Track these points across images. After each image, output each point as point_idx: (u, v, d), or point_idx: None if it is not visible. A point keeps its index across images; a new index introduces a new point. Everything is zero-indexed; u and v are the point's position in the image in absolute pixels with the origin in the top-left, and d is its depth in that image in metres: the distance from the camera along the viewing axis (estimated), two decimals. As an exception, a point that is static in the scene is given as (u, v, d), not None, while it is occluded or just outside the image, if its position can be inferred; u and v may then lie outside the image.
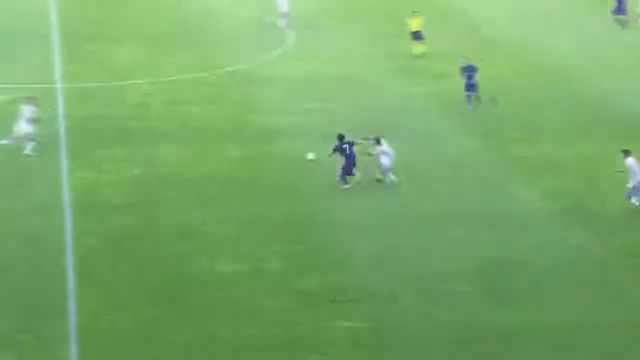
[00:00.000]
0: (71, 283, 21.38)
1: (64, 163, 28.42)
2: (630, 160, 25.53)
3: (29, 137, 28.24)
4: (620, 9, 43.90)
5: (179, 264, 22.59)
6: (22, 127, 28.08)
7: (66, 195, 26.12)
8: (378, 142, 27.38)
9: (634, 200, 25.47)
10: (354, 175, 26.98)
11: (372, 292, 21.44)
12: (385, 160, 27.25)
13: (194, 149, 29.96)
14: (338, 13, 48.40)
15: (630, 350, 19.25)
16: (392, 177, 27.25)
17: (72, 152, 29.30)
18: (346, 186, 26.91)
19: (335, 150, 27.01)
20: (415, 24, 40.57)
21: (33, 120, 28.39)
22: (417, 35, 40.42)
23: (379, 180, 27.25)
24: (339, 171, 26.88)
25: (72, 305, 20.45)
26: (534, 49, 42.46)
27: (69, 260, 22.48)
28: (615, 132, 31.57)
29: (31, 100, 28.63)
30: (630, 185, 25.50)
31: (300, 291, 21.41)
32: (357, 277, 22.19)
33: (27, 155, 28.24)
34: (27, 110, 28.26)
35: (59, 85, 36.03)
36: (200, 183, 27.34)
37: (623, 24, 44.23)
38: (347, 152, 26.82)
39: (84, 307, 20.39)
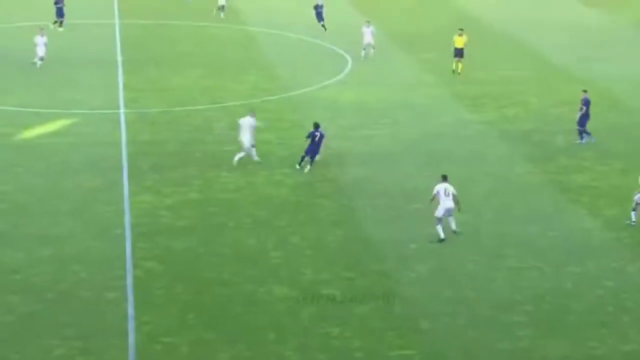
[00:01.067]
0: (130, 306, 21.85)
1: (126, 187, 29.07)
2: None
3: (250, 147, 30.93)
4: None
5: (236, 288, 22.89)
6: (246, 139, 30.67)
7: (127, 219, 26.71)
8: (445, 179, 25.43)
9: None
10: (313, 160, 30.33)
11: (427, 320, 21.45)
12: (444, 206, 24.85)
13: (252, 173, 30.38)
14: (395, 43, 48.66)
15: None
16: (439, 231, 24.94)
17: (133, 176, 29.97)
18: (298, 167, 30.27)
19: (308, 136, 30.54)
20: (459, 42, 42.15)
21: (253, 131, 31.05)
22: (459, 52, 41.92)
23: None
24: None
25: (131, 327, 20.90)
26: (593, 75, 42.08)
27: (129, 283, 22.97)
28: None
29: (253, 113, 31.44)
30: None
31: (355, 317, 21.52)
32: (412, 304, 22.21)
33: (257, 161, 30.96)
34: (248, 122, 30.85)
35: (122, 111, 36.92)
36: (257, 208, 27.69)
37: None
38: (315, 140, 30.30)
39: (142, 330, 20.82)
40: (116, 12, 54.31)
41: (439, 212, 25.20)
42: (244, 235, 25.84)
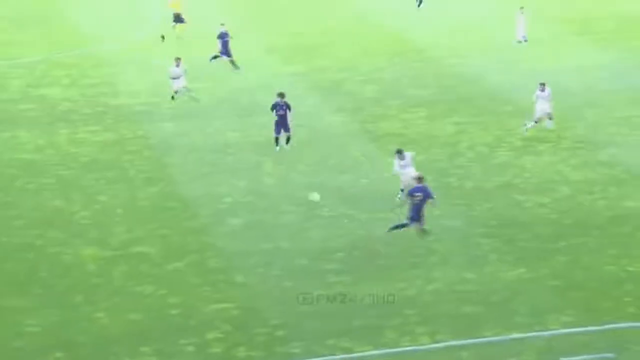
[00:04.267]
0: None
1: None
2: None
3: (549, 116, 29.52)
4: None
5: (40, 251, 21.84)
6: (543, 107, 29.50)
7: None
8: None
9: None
10: (279, 135, 27.79)
11: (242, 273, 21.28)
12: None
13: (55, 132, 29.00)
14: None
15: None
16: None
17: None
18: (277, 148, 27.89)
19: (272, 107, 27.97)
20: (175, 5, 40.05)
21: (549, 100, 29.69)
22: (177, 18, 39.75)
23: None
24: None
25: None
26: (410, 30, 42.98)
27: None
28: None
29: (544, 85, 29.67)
30: None
31: (169, 274, 21.04)
32: (227, 258, 21.99)
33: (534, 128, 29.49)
34: (544, 95, 29.52)
35: None
36: (62, 167, 26.50)
37: None
38: (280, 112, 27.69)
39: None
40: None
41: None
42: (47, 196, 24.67)
